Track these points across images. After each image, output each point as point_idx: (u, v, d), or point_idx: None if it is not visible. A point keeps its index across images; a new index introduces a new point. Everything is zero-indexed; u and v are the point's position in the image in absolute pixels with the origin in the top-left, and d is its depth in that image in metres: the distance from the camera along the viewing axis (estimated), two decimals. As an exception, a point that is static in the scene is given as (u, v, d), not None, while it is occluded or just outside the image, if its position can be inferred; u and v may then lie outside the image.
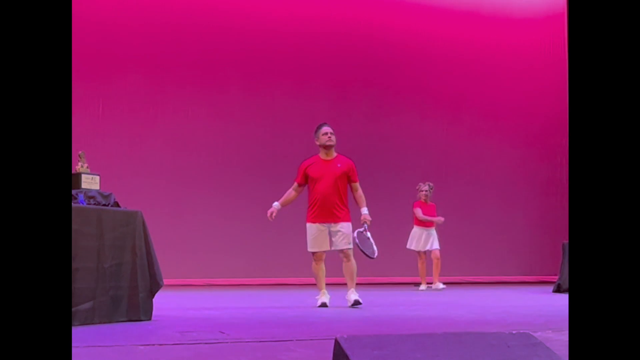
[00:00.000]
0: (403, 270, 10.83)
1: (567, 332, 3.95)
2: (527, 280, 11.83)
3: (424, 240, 9.69)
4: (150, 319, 4.85)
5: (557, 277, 9.41)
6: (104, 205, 4.92)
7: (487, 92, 12.42)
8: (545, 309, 6.42)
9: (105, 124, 10.15)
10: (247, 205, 10.59)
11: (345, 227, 6.35)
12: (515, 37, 12.67)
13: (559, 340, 3.65)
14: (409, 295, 8.53)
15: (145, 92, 10.50)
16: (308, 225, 6.43)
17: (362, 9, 11.70)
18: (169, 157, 10.44)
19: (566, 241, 9.31)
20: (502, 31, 12.62)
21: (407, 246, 9.83)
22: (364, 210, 6.49)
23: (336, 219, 6.33)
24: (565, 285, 8.99)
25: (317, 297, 6.44)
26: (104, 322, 4.57)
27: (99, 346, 3.53)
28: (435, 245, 9.69)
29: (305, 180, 6.46)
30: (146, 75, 10.51)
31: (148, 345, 3.56)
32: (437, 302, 7.34)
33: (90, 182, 5.04)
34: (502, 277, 11.74)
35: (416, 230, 9.79)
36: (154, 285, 4.94)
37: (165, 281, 5.12)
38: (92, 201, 4.87)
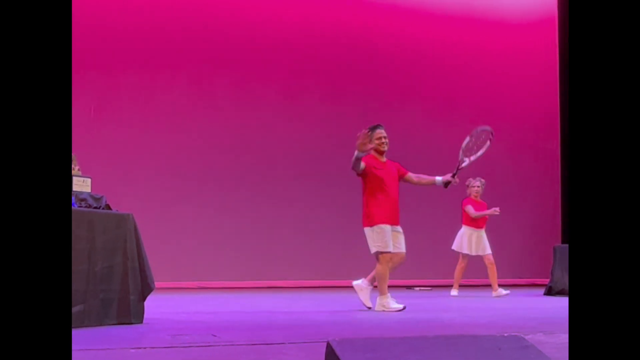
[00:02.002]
0: (395, 273, 10.79)
1: (558, 334, 3.97)
2: (518, 282, 11.83)
3: (475, 243, 8.80)
4: (141, 322, 4.83)
5: (548, 279, 9.43)
6: (96, 208, 4.90)
7: (479, 95, 12.44)
8: (537, 312, 6.45)
9: (96, 126, 10.09)
10: (240, 208, 10.57)
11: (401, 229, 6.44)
12: (507, 40, 12.71)
13: (550, 342, 3.67)
14: (400, 298, 8.51)
15: (136, 95, 10.46)
16: (382, 226, 6.22)
17: (359, 12, 11.70)
18: (161, 160, 10.40)
19: (557, 244, 9.34)
20: (494, 35, 12.66)
21: (456, 248, 8.80)
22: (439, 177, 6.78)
23: (398, 221, 6.41)
24: (557, 288, 9.02)
25: (385, 302, 6.25)
26: (95, 325, 4.55)
27: (90, 349, 3.52)
28: (488, 249, 8.80)
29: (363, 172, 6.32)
30: (138, 78, 10.46)
31: (139, 348, 3.55)
32: (429, 305, 7.35)
33: (81, 184, 5.02)
34: (493, 279, 11.72)
35: (466, 230, 8.82)
36: (146, 288, 4.92)
37: (157, 284, 5.10)
38: (83, 204, 4.85)
